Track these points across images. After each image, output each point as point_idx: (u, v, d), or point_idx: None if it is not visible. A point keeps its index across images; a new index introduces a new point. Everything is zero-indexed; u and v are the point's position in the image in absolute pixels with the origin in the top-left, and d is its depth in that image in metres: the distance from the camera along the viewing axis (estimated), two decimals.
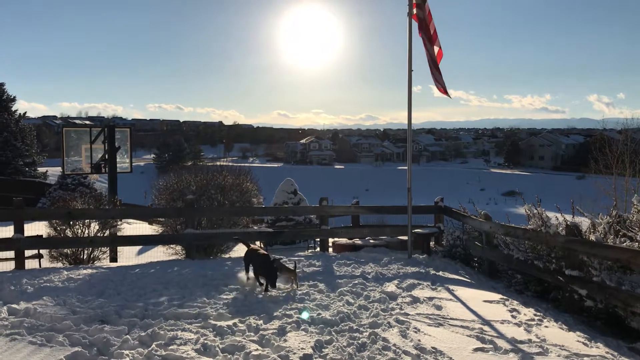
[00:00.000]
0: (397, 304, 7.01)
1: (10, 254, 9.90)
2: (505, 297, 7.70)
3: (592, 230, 7.90)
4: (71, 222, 10.75)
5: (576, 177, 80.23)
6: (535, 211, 8.82)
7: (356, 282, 8.12)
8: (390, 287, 7.90)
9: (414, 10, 9.97)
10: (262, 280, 7.60)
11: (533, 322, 6.46)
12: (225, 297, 7.12)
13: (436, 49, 9.93)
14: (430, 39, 9.90)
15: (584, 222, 8.32)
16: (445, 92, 10.07)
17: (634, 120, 34.56)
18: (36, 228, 11.88)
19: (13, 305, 6.41)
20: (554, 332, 6.18)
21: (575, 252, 7.37)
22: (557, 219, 8.46)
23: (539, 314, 6.92)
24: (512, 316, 6.72)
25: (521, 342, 5.68)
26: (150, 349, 5.03)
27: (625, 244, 7.18)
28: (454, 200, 12.76)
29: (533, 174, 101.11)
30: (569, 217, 8.38)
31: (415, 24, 10.07)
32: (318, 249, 12.58)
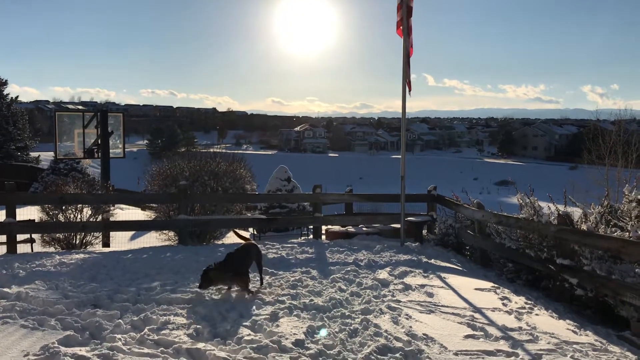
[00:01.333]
0: (389, 291, 7.04)
1: (2, 238, 9.85)
2: (496, 286, 7.75)
3: (583, 220, 7.95)
4: (64, 207, 10.71)
5: (569, 168, 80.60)
6: (527, 200, 8.86)
7: (349, 269, 8.15)
8: (383, 274, 7.94)
9: None
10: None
11: (524, 310, 6.51)
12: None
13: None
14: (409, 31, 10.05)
15: (576, 212, 8.37)
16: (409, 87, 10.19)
17: (627, 111, 34.66)
18: (28, 213, 11.84)
19: (5, 289, 6.39)
20: (544, 320, 6.23)
21: (566, 242, 7.42)
22: (550, 209, 8.50)
23: (529, 302, 6.98)
24: (503, 304, 6.76)
25: (512, 329, 5.73)
26: (142, 333, 5.04)
27: (616, 233, 7.24)
28: (447, 189, 12.79)
29: (526, 164, 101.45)
30: (561, 207, 8.43)
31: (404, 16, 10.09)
32: (311, 236, 12.60)
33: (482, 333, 5.55)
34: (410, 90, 10.19)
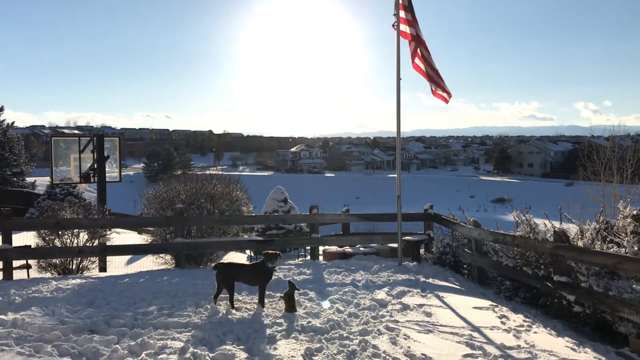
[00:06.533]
0: (387, 311, 7.02)
1: None
2: (494, 304, 7.74)
3: (580, 237, 7.97)
4: (60, 232, 10.68)
5: (565, 184, 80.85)
6: (523, 218, 8.87)
7: (346, 289, 8.13)
8: (381, 294, 7.92)
9: (402, 14, 10.09)
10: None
11: (522, 328, 6.50)
12: (215, 306, 7.10)
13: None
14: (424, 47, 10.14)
15: (572, 229, 8.38)
16: (448, 94, 10.24)
17: (621, 127, 35.09)
18: (24, 238, 11.79)
19: (1, 317, 6.34)
20: (542, 337, 6.22)
21: (563, 258, 7.43)
22: (546, 226, 8.51)
23: (528, 320, 6.96)
24: (502, 322, 6.75)
25: (510, 347, 5.71)
26: (139, 358, 5.01)
27: (612, 249, 7.25)
28: (444, 208, 12.82)
29: (522, 181, 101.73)
30: (557, 224, 8.45)
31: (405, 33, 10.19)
32: (309, 257, 12.59)
33: (480, 352, 5.53)
34: (449, 95, 10.23)
